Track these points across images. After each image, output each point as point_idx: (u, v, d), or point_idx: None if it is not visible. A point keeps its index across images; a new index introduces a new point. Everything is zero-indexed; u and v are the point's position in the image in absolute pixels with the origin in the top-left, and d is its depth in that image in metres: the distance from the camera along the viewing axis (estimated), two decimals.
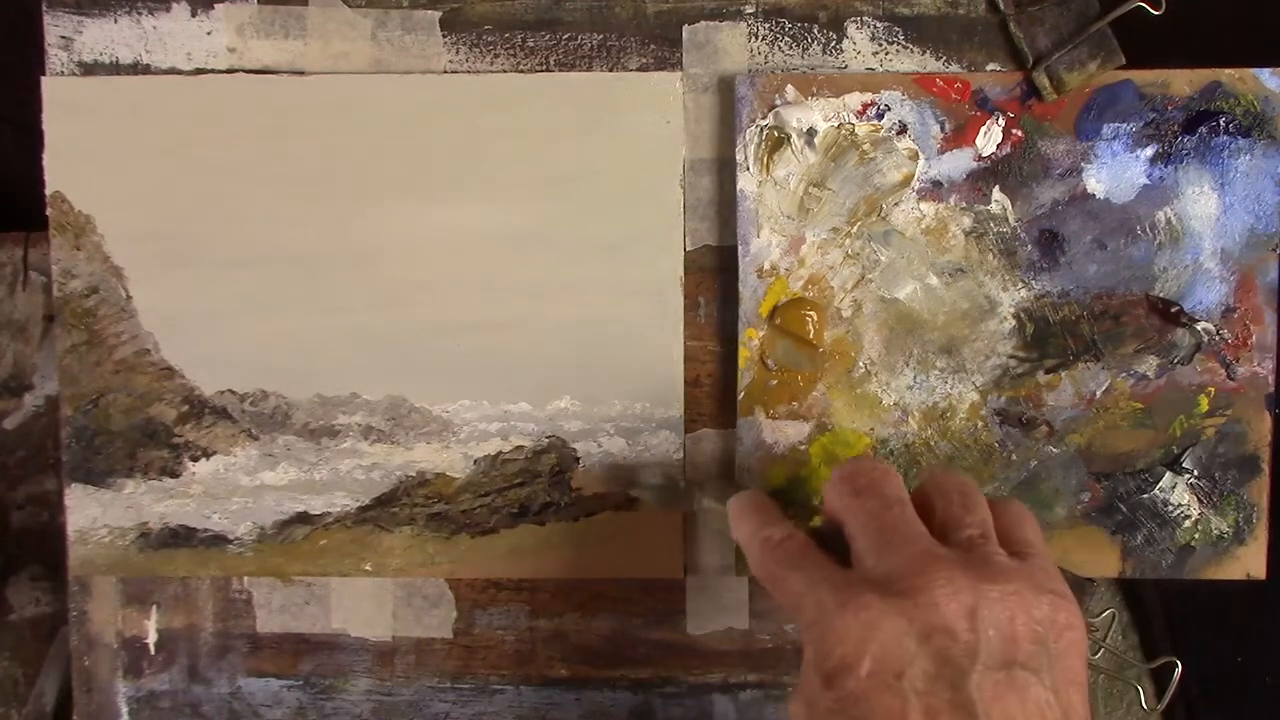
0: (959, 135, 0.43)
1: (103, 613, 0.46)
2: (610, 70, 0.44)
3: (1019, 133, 0.43)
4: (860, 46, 0.44)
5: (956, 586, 0.29)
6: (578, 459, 0.45)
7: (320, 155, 0.44)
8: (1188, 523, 0.44)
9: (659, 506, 0.44)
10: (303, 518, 0.45)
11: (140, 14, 0.44)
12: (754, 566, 0.35)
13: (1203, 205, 0.43)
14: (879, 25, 0.44)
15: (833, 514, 0.34)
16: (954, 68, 0.44)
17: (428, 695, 0.46)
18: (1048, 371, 0.44)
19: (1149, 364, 0.44)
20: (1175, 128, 0.43)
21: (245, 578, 0.46)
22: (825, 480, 0.44)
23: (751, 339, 0.44)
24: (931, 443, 0.44)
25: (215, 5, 0.44)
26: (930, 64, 0.44)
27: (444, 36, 0.44)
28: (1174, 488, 0.44)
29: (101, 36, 0.44)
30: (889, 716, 0.28)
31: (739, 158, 0.43)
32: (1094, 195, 0.43)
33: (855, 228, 0.43)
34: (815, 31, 0.44)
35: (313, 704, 0.46)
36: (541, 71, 0.44)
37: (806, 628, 0.31)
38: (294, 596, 0.46)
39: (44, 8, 0.44)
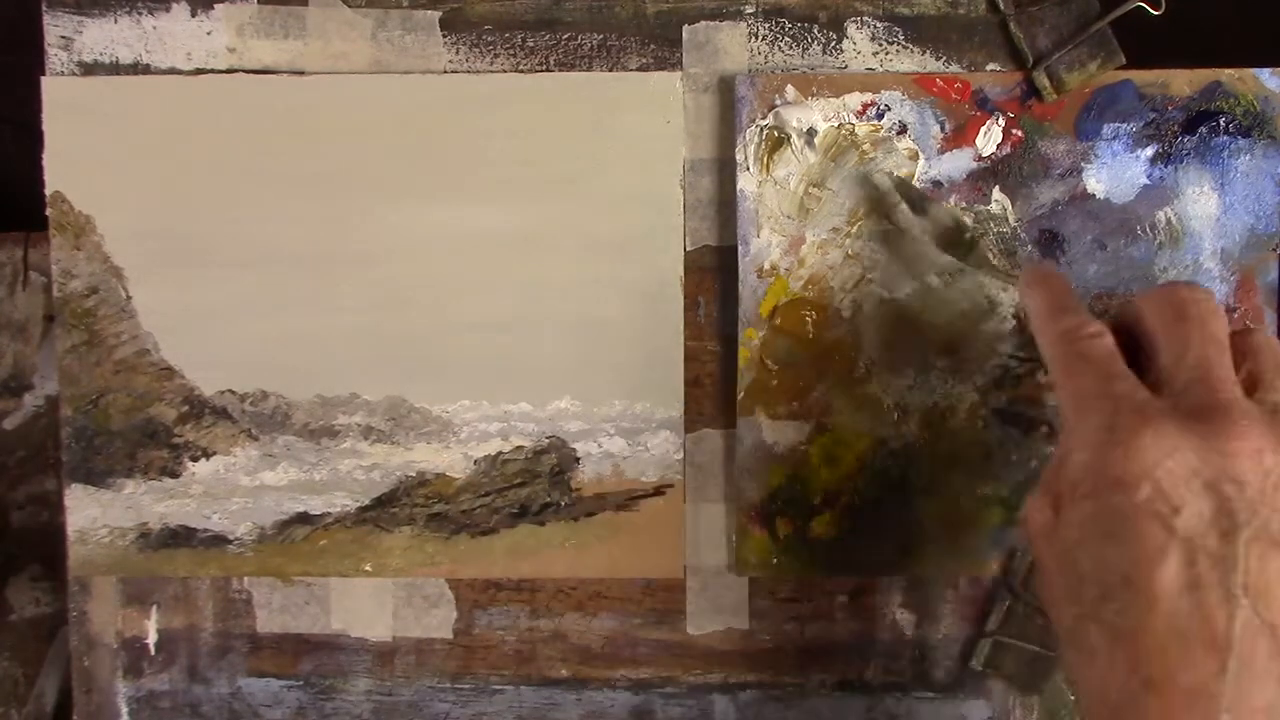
0: (959, 135, 0.43)
1: (103, 613, 0.46)
2: (610, 70, 0.44)
3: (1019, 133, 0.43)
4: (860, 46, 0.44)
5: (1260, 444, 0.29)
6: (578, 459, 0.45)
7: (320, 155, 0.44)
8: None
9: (942, 245, 0.42)
10: (303, 518, 0.45)
11: (140, 14, 0.44)
12: (1045, 347, 0.34)
13: (1203, 205, 0.43)
14: (879, 25, 0.44)
15: (1141, 326, 0.33)
16: (954, 68, 0.44)
17: (428, 695, 0.46)
18: (1048, 372, 0.44)
19: None
20: (1175, 128, 0.43)
21: (245, 578, 0.46)
22: (825, 480, 0.44)
23: (751, 339, 0.44)
24: (931, 443, 0.44)
25: (215, 5, 0.44)
26: (930, 64, 0.44)
27: (444, 36, 0.44)
28: None
29: (101, 36, 0.44)
30: (1148, 544, 0.28)
31: (739, 158, 0.43)
32: (1094, 195, 0.43)
33: (855, 228, 0.43)
34: (815, 31, 0.44)
35: (313, 704, 0.46)
36: (541, 71, 0.44)
37: (1087, 430, 0.31)
38: (294, 596, 0.46)
39: (44, 8, 0.44)
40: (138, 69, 0.44)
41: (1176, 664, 0.28)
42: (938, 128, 0.43)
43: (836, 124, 0.43)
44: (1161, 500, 0.29)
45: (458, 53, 0.44)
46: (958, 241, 0.42)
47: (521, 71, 0.44)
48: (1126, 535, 0.29)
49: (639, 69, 0.44)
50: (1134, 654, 0.29)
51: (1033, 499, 0.33)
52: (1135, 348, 0.34)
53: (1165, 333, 0.32)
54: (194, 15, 0.44)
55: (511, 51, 0.44)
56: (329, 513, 0.45)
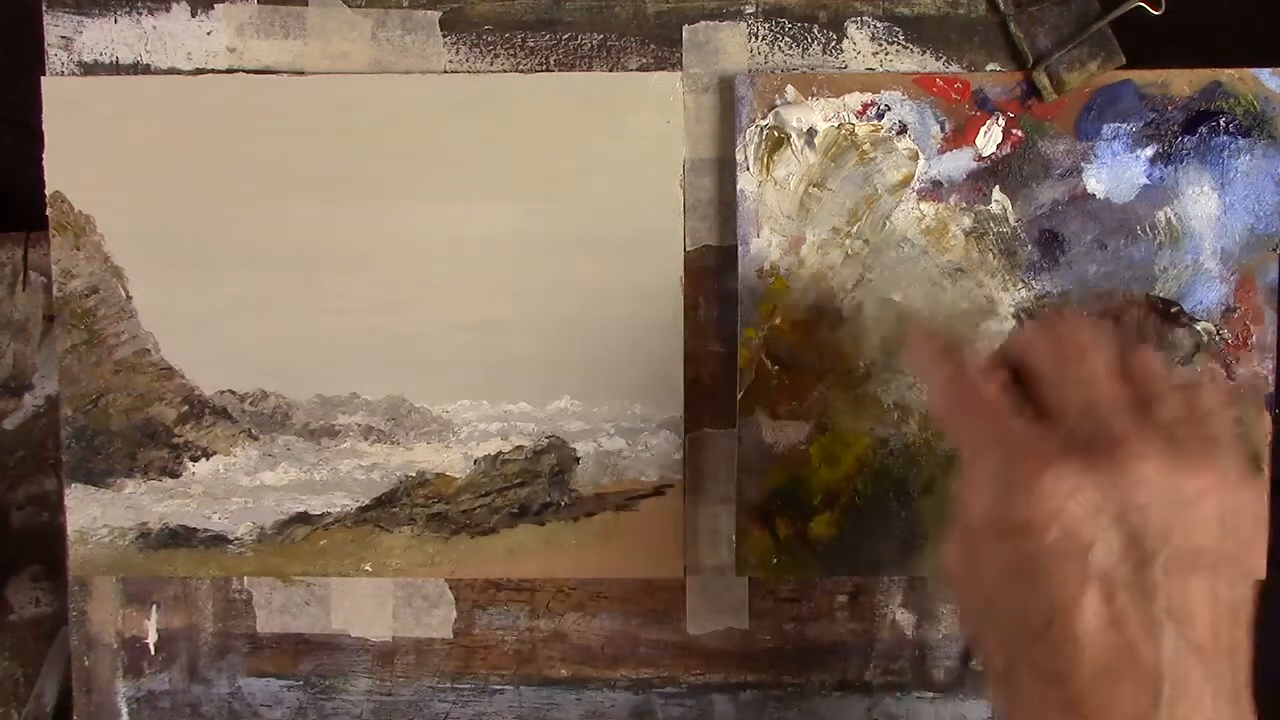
0: (959, 135, 0.43)
1: (103, 613, 0.46)
2: (610, 70, 0.44)
3: (1019, 133, 0.43)
4: (860, 46, 0.44)
5: (1157, 469, 0.29)
6: (578, 459, 0.45)
7: (320, 155, 0.44)
8: None
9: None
10: (303, 518, 0.45)
11: (140, 14, 0.44)
12: (933, 397, 0.34)
13: (1203, 205, 0.43)
14: (879, 25, 0.44)
15: (1027, 359, 0.33)
16: (954, 68, 0.44)
17: (428, 695, 0.46)
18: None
19: None
20: (1175, 128, 0.43)
21: (245, 578, 0.46)
22: (825, 480, 0.44)
23: (751, 339, 0.44)
24: (932, 443, 0.44)
25: (215, 5, 0.44)
26: (930, 64, 0.44)
27: (444, 36, 0.44)
28: None
29: (101, 36, 0.44)
30: (1065, 586, 0.28)
31: (739, 158, 0.43)
32: (1094, 195, 0.43)
33: (855, 228, 0.43)
34: (815, 31, 0.44)
35: (313, 704, 0.46)
36: (541, 71, 0.44)
37: (985, 477, 0.30)
38: (294, 596, 0.46)
39: (44, 8, 0.44)
40: (138, 69, 0.44)
41: (1110, 700, 0.28)
42: (938, 128, 0.43)
43: (836, 124, 0.43)
44: (1071, 540, 0.28)
45: (458, 53, 0.44)
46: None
47: (521, 71, 0.44)
48: (1042, 579, 0.29)
49: (639, 69, 0.44)
50: (1067, 695, 0.28)
51: (948, 545, 0.32)
52: (1024, 382, 0.33)
53: (1050, 369, 0.32)
54: (194, 15, 0.44)
55: (511, 51, 0.44)
56: (329, 513, 0.45)
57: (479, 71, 0.44)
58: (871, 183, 0.43)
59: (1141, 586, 0.28)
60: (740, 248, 0.43)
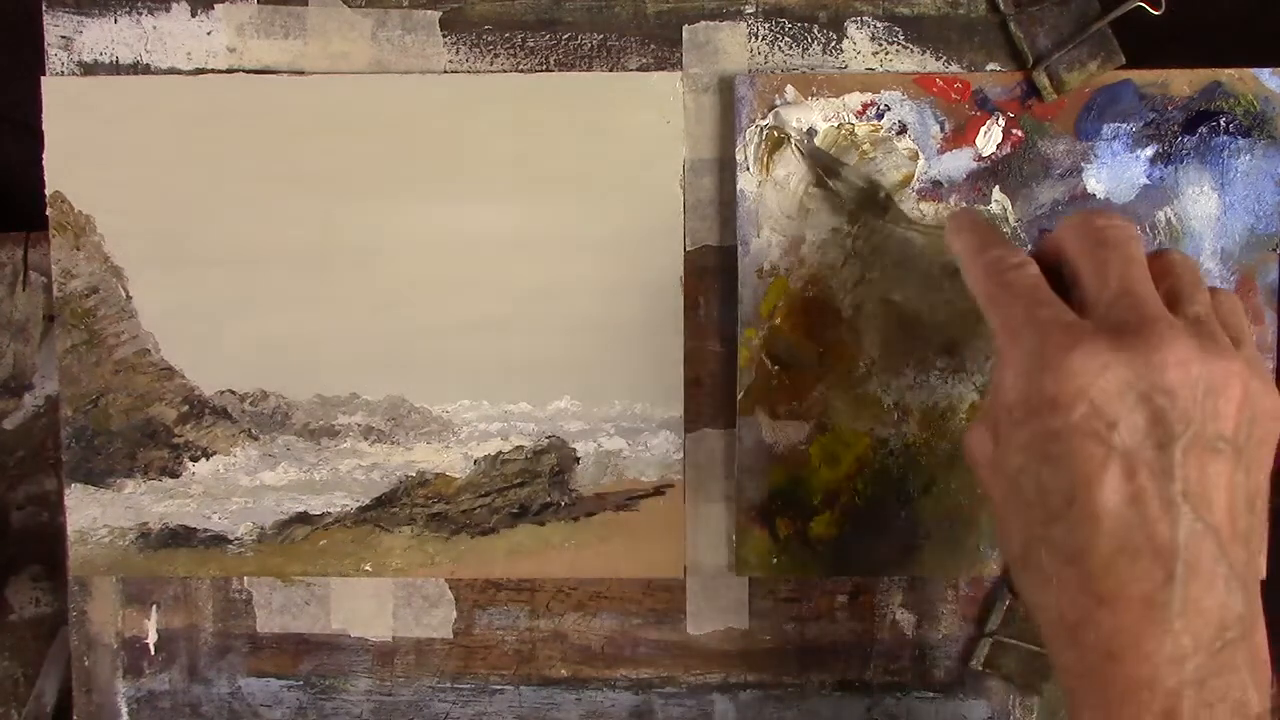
0: (959, 135, 0.43)
1: (103, 613, 0.46)
2: (610, 70, 0.44)
3: (1019, 133, 0.43)
4: (860, 46, 0.44)
5: (1186, 354, 0.29)
6: (578, 459, 0.45)
7: (320, 155, 0.44)
8: None
9: (849, 203, 0.42)
10: (303, 518, 0.45)
11: (140, 14, 0.44)
12: (973, 283, 0.35)
13: (1203, 205, 0.43)
14: (879, 25, 0.44)
15: (1061, 255, 0.34)
16: (954, 68, 0.44)
17: (428, 695, 0.46)
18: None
19: None
20: (1175, 128, 0.43)
21: (245, 578, 0.46)
22: (825, 480, 0.44)
23: (751, 339, 0.44)
24: (931, 443, 0.44)
25: (215, 5, 0.44)
26: (930, 64, 0.44)
27: (444, 36, 0.44)
28: None
29: (101, 36, 0.44)
30: (1088, 461, 0.29)
31: (739, 158, 0.43)
32: (1094, 195, 0.43)
33: (855, 228, 0.43)
34: (815, 31, 0.44)
35: (313, 704, 0.46)
36: (541, 71, 0.44)
37: (1019, 357, 0.31)
38: (294, 596, 0.46)
39: (44, 8, 0.44)
40: (138, 69, 0.44)
41: (1126, 577, 0.29)
42: (938, 128, 0.43)
43: (836, 124, 0.43)
44: (1097, 417, 0.29)
45: (458, 53, 0.44)
46: (873, 201, 0.42)
47: (521, 71, 0.44)
48: (1066, 455, 0.29)
49: (639, 69, 0.44)
50: (1084, 572, 0.29)
51: (973, 428, 0.33)
52: (1060, 277, 0.34)
53: (1086, 258, 0.33)
54: (194, 15, 0.44)
55: (511, 51, 0.44)
56: (329, 513, 0.45)
57: (479, 71, 0.44)
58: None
59: (1162, 466, 0.29)
60: (740, 248, 0.43)
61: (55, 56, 0.44)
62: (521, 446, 0.45)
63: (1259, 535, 0.30)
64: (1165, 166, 0.43)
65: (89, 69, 0.44)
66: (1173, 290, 0.33)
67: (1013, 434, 0.31)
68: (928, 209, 0.43)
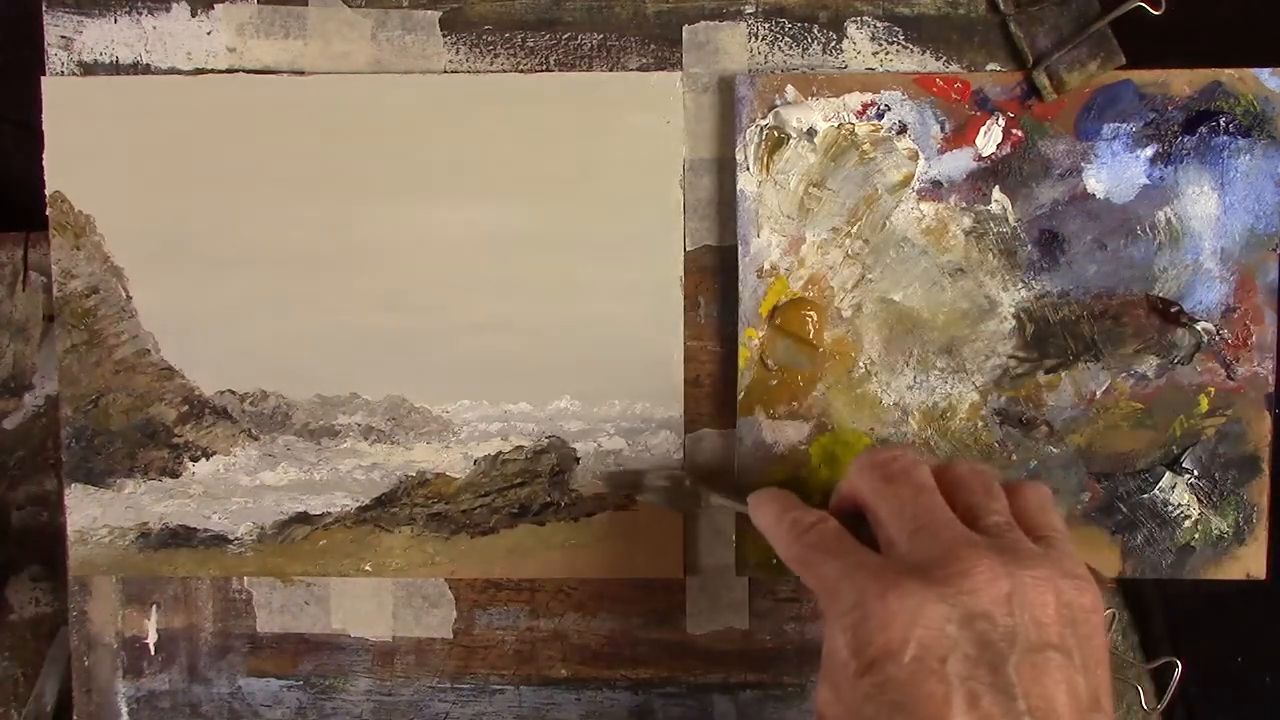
0: (959, 135, 0.43)
1: (103, 613, 0.46)
2: (610, 70, 0.44)
3: (1019, 133, 0.43)
4: (860, 46, 0.44)
5: (994, 573, 0.30)
6: (578, 459, 0.45)
7: (320, 155, 0.44)
8: (1188, 523, 0.44)
9: (666, 508, 0.44)
10: (303, 518, 0.45)
11: (140, 14, 0.44)
12: (783, 550, 0.36)
13: (1203, 205, 0.43)
14: (879, 25, 0.44)
15: (856, 498, 0.35)
16: (954, 68, 0.44)
17: (428, 695, 0.46)
18: (1048, 371, 0.44)
19: (1149, 364, 0.44)
20: (1175, 128, 0.43)
21: (245, 578, 0.46)
22: (825, 480, 0.44)
23: (751, 339, 0.44)
24: (931, 443, 0.44)
25: (215, 5, 0.44)
26: (930, 64, 0.44)
27: (444, 36, 0.44)
28: (1174, 488, 0.44)
29: (101, 36, 0.44)
30: (931, 701, 0.29)
31: (739, 158, 0.43)
32: (1094, 195, 0.43)
33: (855, 228, 0.43)
34: (815, 31, 0.44)
35: (313, 704, 0.46)
36: (541, 71, 0.44)
37: (841, 614, 0.31)
38: (294, 596, 0.46)
39: (44, 8, 0.44)
40: (138, 69, 0.44)
41: None
42: (938, 128, 0.43)
43: (836, 124, 0.43)
44: (928, 656, 0.29)
45: (458, 53, 0.44)
46: (684, 494, 0.44)
47: (521, 71, 0.44)
48: (910, 700, 0.29)
49: (639, 69, 0.44)
50: None
51: (818, 692, 0.33)
52: (864, 520, 0.35)
53: (879, 497, 0.34)
54: (194, 15, 0.44)
55: (511, 51, 0.44)
56: (329, 513, 0.45)
57: (479, 71, 0.44)
58: (871, 182, 0.43)
59: (1002, 686, 0.29)
60: (740, 248, 0.43)
61: (55, 56, 0.44)
62: (521, 446, 0.45)
63: None
64: (1165, 166, 0.43)
65: (89, 69, 0.44)
66: (968, 505, 0.33)
67: (855, 688, 0.31)
68: (928, 209, 0.43)
